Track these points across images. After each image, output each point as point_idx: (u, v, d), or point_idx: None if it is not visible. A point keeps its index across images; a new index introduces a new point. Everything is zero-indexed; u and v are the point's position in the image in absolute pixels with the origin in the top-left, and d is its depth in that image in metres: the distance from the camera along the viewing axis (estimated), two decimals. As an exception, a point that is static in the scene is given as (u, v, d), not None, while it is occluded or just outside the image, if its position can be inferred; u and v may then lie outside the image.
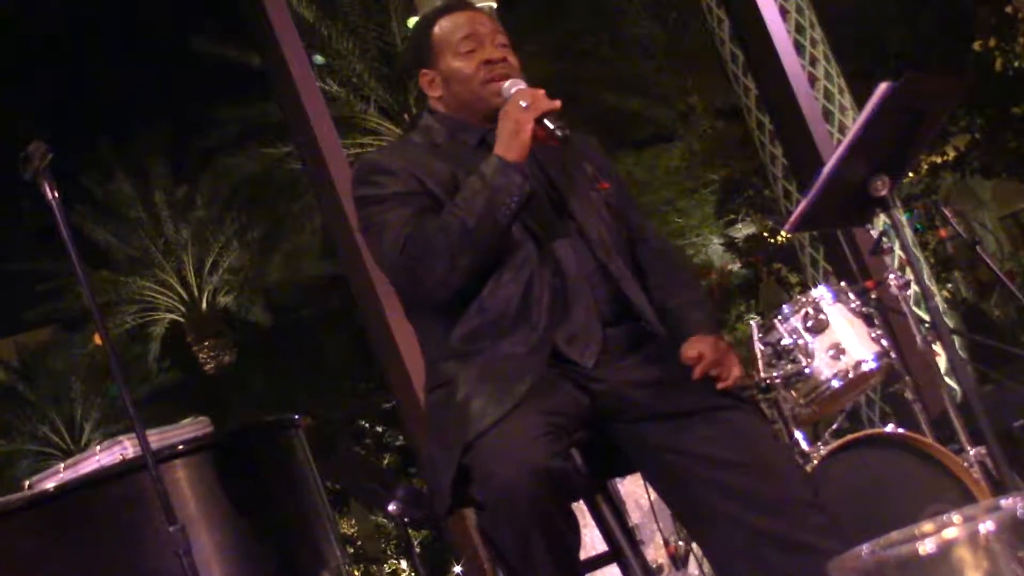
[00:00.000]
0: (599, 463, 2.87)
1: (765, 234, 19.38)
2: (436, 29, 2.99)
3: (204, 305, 22.82)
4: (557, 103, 2.76)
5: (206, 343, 22.75)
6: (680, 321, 2.88)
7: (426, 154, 2.91)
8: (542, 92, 2.79)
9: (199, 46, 19.13)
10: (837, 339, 4.54)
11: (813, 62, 10.74)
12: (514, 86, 2.86)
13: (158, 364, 22.52)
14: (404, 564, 20.66)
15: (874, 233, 5.74)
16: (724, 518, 2.64)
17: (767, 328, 4.63)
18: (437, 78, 2.98)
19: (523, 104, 2.74)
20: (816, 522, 2.60)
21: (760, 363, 4.55)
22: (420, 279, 2.76)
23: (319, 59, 18.33)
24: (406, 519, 4.89)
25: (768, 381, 4.47)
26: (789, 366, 4.52)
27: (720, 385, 2.71)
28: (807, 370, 4.51)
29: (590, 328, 2.79)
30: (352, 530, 20.90)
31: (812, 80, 10.41)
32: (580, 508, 2.79)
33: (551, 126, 2.73)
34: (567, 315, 2.78)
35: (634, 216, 3.08)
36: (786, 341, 4.55)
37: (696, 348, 2.74)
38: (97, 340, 21.31)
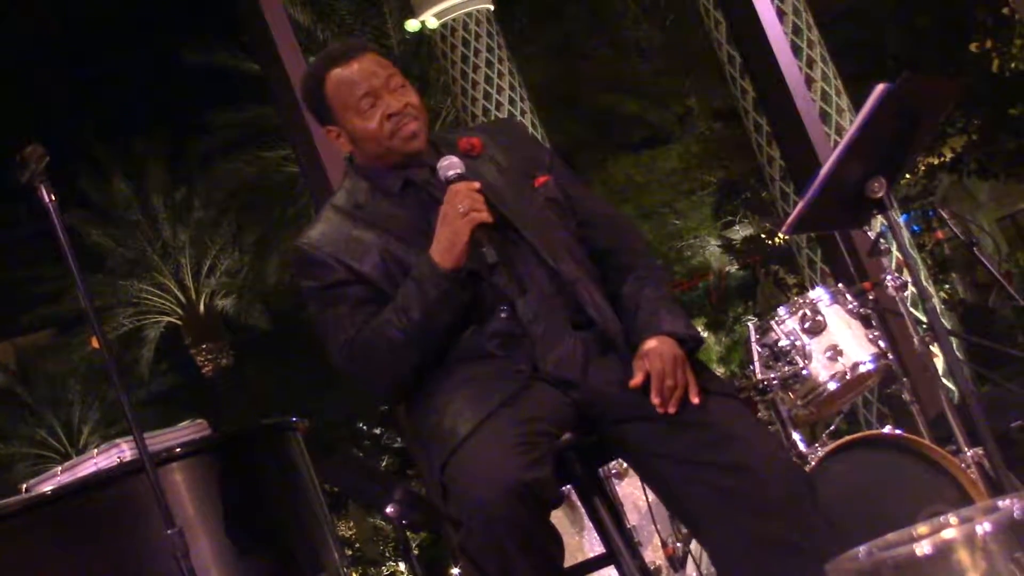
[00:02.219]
0: (593, 456, 2.86)
1: (763, 236, 19.39)
2: (329, 88, 2.88)
3: (202, 308, 22.81)
4: (487, 217, 2.70)
5: (204, 346, 22.73)
6: (629, 318, 2.83)
7: (351, 224, 2.87)
8: (477, 192, 2.73)
9: (191, 56, 19.13)
10: (834, 340, 4.55)
11: (810, 64, 10.76)
12: (450, 168, 2.79)
13: (153, 368, 22.47)
14: (402, 566, 20.67)
15: (871, 235, 5.74)
16: (719, 520, 2.63)
17: (765, 330, 4.63)
18: (343, 135, 2.91)
19: (460, 209, 2.69)
20: (812, 523, 2.60)
21: (758, 364, 4.55)
22: (371, 385, 2.84)
23: (316, 62, 18.31)
24: (404, 521, 4.88)
25: (766, 382, 4.47)
26: (787, 368, 4.53)
27: (670, 408, 2.67)
28: (804, 371, 4.51)
29: (564, 344, 2.76)
30: (350, 532, 20.90)
31: (809, 82, 10.43)
32: (579, 510, 2.79)
33: (483, 246, 2.69)
34: (546, 341, 2.76)
35: (577, 196, 3.00)
36: (783, 343, 4.56)
37: (642, 366, 2.70)
38: (94, 343, 21.28)
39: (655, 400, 2.66)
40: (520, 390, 2.67)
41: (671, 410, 2.66)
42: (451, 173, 2.78)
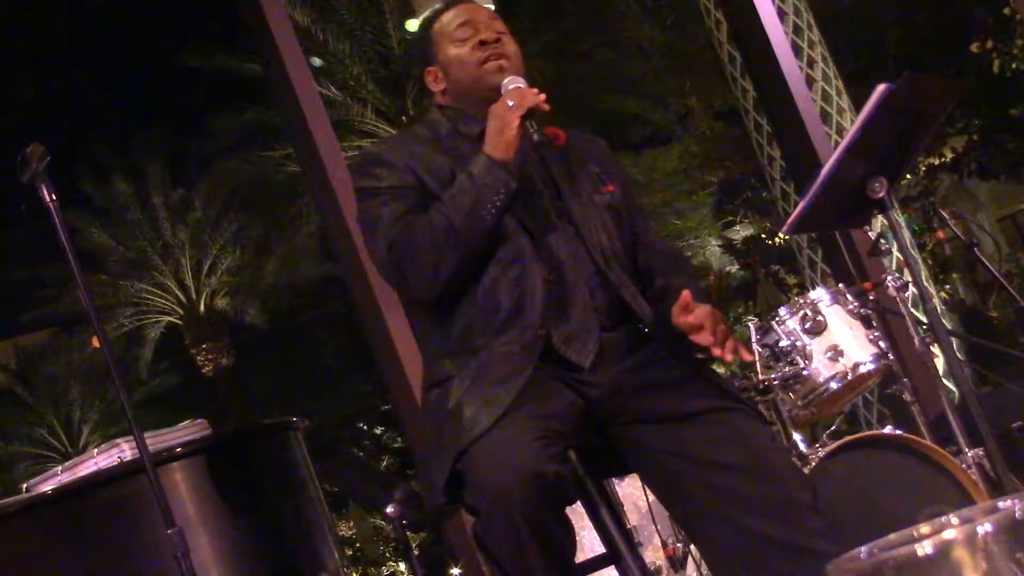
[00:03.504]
0: (597, 464, 2.87)
1: (763, 236, 19.39)
2: (435, 25, 3.05)
3: (202, 307, 22.81)
4: (541, 98, 2.77)
5: (204, 345, 22.74)
6: (677, 293, 2.82)
7: (427, 147, 2.93)
8: (533, 91, 2.79)
9: (191, 59, 19.13)
10: (835, 341, 4.55)
11: (811, 64, 10.75)
12: (512, 83, 2.86)
13: (153, 368, 22.47)
14: (403, 566, 20.67)
15: (872, 235, 5.74)
16: (722, 521, 2.63)
17: (765, 330, 4.63)
18: (439, 72, 3.03)
19: (510, 103, 2.76)
20: (814, 525, 2.60)
21: (758, 365, 4.54)
22: (407, 277, 2.78)
23: (316, 62, 18.33)
24: (404, 521, 4.89)
25: (766, 383, 4.47)
26: (787, 368, 4.53)
27: (728, 356, 2.66)
28: (805, 372, 4.51)
29: (587, 329, 2.78)
30: (351, 532, 20.90)
31: (810, 82, 10.42)
32: (578, 510, 2.79)
33: (530, 129, 2.74)
34: (564, 315, 2.78)
35: (638, 220, 3.08)
36: (784, 343, 4.56)
37: (694, 314, 2.69)
38: (95, 343, 21.28)
39: (713, 343, 2.65)
40: (537, 385, 2.68)
41: (729, 357, 2.66)
42: (511, 86, 2.85)
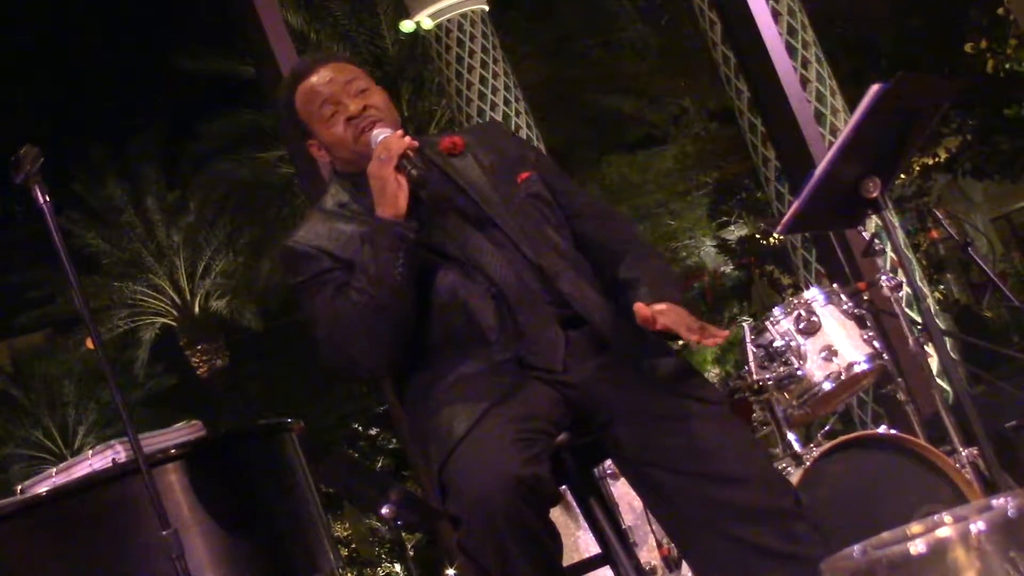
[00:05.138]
0: (588, 456, 2.86)
1: (758, 236, 19.39)
2: (298, 105, 2.95)
3: (197, 309, 22.79)
4: (406, 141, 2.75)
5: (199, 347, 22.71)
6: (633, 290, 2.80)
7: (334, 221, 2.91)
8: (398, 134, 2.77)
9: (184, 62, 19.13)
10: (829, 341, 4.55)
11: (805, 64, 10.77)
12: (379, 135, 2.82)
13: (148, 369, 22.44)
14: (398, 567, 20.65)
15: (866, 235, 5.75)
16: (707, 529, 2.63)
17: (759, 330, 4.64)
18: (320, 146, 2.97)
19: (380, 158, 2.74)
20: (799, 530, 2.60)
21: (753, 365, 4.55)
22: (351, 360, 2.80)
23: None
24: (400, 522, 4.88)
25: (761, 383, 4.48)
26: (782, 368, 4.53)
27: (707, 341, 2.61)
28: (799, 372, 4.52)
29: (546, 333, 2.76)
30: (346, 533, 20.86)
31: (804, 82, 10.44)
32: (574, 510, 2.79)
33: (408, 168, 2.72)
34: (518, 327, 2.75)
35: (562, 191, 2.99)
36: (778, 343, 4.56)
37: (660, 323, 2.64)
38: (90, 344, 21.26)
39: (689, 335, 2.62)
40: (514, 388, 2.67)
41: (708, 342, 2.62)
42: (379, 138, 2.81)
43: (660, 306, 2.66)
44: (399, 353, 2.80)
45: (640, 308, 2.65)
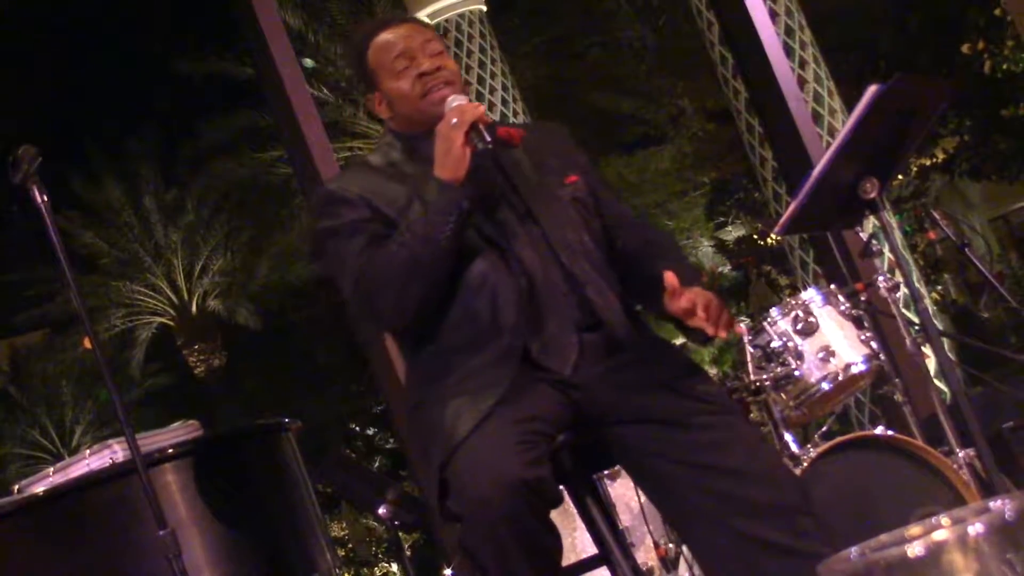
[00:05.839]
0: (588, 459, 2.87)
1: (755, 236, 19.41)
2: (370, 54, 2.96)
3: (194, 309, 22.78)
4: (481, 110, 2.76)
5: (196, 346, 22.71)
6: (659, 277, 2.79)
7: (381, 177, 2.91)
8: (474, 104, 2.78)
9: (182, 63, 19.12)
10: (827, 341, 4.55)
11: (803, 65, 10.78)
12: (453, 101, 2.83)
13: (145, 369, 22.43)
14: (395, 567, 20.65)
15: (864, 236, 5.74)
16: (712, 522, 2.64)
17: (757, 330, 4.64)
18: (383, 100, 2.98)
19: (453, 121, 2.73)
20: (805, 526, 2.61)
21: (750, 365, 4.55)
22: (376, 311, 2.79)
23: (308, 63, 18.32)
24: (397, 522, 4.90)
25: (758, 384, 4.48)
26: (779, 368, 4.53)
27: (722, 332, 2.65)
28: (797, 372, 4.51)
29: (564, 335, 2.77)
30: (343, 533, 20.87)
31: (802, 83, 10.45)
32: (570, 511, 2.79)
33: (475, 139, 2.73)
34: (539, 324, 2.76)
35: (606, 202, 3.02)
36: (776, 344, 4.56)
37: (685, 298, 2.67)
38: (87, 344, 21.26)
39: (708, 327, 2.65)
40: (519, 388, 2.67)
41: (723, 333, 2.66)
42: (453, 103, 2.81)
43: (692, 289, 2.69)
44: (422, 315, 2.78)
45: (670, 276, 2.67)
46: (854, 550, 1.34)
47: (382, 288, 2.74)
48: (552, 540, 2.60)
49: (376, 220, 2.82)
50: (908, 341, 4.62)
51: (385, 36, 2.95)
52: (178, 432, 3.49)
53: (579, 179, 2.97)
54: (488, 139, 2.73)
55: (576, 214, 2.91)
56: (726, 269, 20.51)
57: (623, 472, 4.81)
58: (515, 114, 12.12)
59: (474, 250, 2.79)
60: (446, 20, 12.22)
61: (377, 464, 20.73)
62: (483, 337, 2.75)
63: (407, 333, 2.90)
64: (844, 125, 3.36)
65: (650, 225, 3.15)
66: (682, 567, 4.78)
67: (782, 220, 3.52)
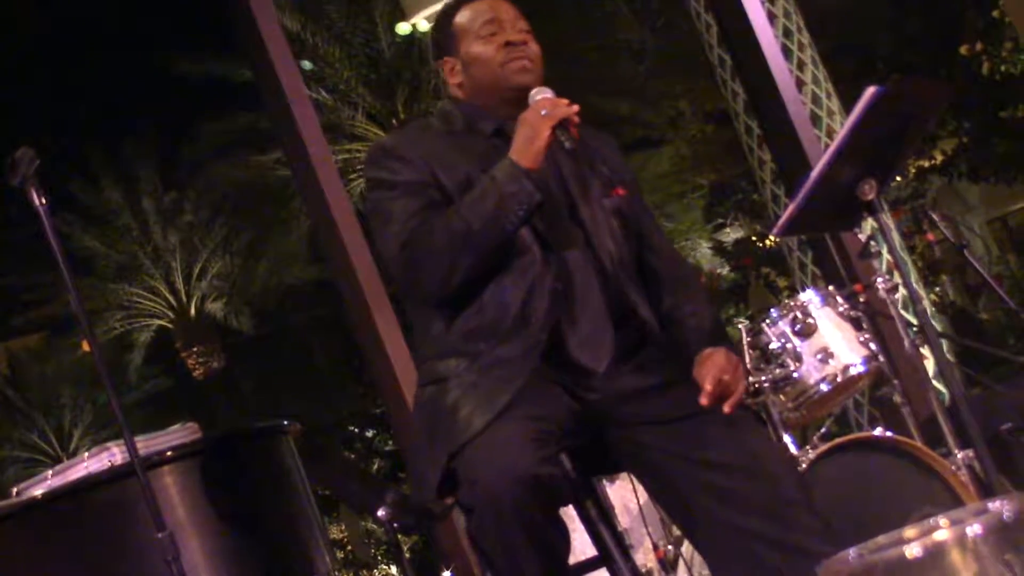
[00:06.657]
0: (587, 463, 2.87)
1: (754, 238, 19.41)
2: (458, 17, 3.01)
3: (193, 311, 22.78)
4: (574, 109, 2.76)
5: (195, 349, 22.71)
6: (689, 331, 2.87)
7: (442, 143, 2.91)
8: (565, 102, 2.78)
9: (181, 66, 19.12)
10: (825, 343, 4.55)
11: (801, 66, 10.77)
12: (540, 93, 2.83)
13: (144, 371, 22.43)
14: (394, 569, 20.65)
15: (862, 237, 5.75)
16: (717, 520, 2.65)
17: (755, 332, 4.63)
18: (458, 65, 2.99)
19: (543, 112, 2.74)
20: (809, 523, 2.62)
21: (749, 367, 4.55)
22: (419, 277, 2.77)
23: (307, 65, 18.32)
24: (395, 524, 4.89)
25: (756, 385, 4.48)
26: (777, 370, 4.53)
27: (725, 407, 2.69)
28: (795, 374, 4.51)
29: (601, 333, 2.79)
30: (342, 535, 20.88)
31: (800, 84, 10.43)
32: (569, 513, 2.79)
33: (561, 138, 2.73)
34: (574, 322, 2.77)
35: (645, 223, 3.05)
36: (774, 345, 4.56)
37: (709, 371, 2.71)
38: (85, 347, 21.25)
39: (707, 400, 2.68)
40: (535, 389, 2.68)
41: (727, 409, 2.68)
42: (539, 96, 2.82)
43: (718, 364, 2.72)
44: (459, 289, 2.77)
45: (710, 383, 2.69)
46: (853, 551, 1.34)
47: (433, 255, 2.73)
48: (560, 537, 2.61)
49: (432, 186, 2.82)
50: (907, 342, 4.62)
51: (478, 4, 3.00)
52: (177, 434, 3.49)
53: (626, 194, 2.99)
54: (572, 140, 2.74)
55: (618, 225, 2.93)
56: (725, 271, 20.50)
57: (622, 474, 4.82)
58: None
59: (520, 240, 2.79)
60: (444, 22, 12.20)
61: (376, 466, 20.73)
62: (509, 327, 2.75)
63: (427, 307, 2.88)
64: (842, 127, 3.36)
65: (683, 259, 3.17)
66: (681, 569, 4.78)
67: (780, 222, 3.52)
